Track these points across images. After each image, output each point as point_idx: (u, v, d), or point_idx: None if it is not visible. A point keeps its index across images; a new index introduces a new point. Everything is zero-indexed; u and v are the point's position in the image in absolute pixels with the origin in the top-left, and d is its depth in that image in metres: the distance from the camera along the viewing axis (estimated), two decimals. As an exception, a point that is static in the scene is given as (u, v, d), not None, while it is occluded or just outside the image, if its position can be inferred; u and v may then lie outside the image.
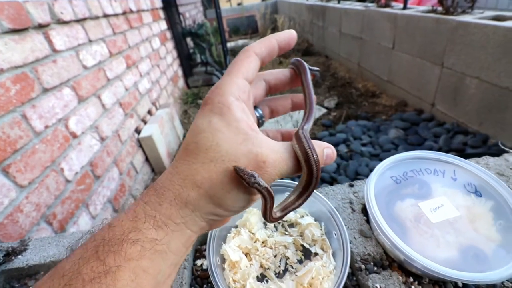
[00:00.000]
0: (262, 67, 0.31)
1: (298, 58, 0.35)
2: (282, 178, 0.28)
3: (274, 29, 5.46)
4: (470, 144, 1.93)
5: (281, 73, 0.34)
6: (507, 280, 0.45)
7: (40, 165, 1.09)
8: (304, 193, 0.29)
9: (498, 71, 1.77)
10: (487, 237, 0.47)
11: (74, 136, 1.33)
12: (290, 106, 0.37)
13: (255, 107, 0.34)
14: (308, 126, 0.30)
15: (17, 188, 0.98)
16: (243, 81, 0.28)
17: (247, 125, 0.26)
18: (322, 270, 0.44)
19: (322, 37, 4.66)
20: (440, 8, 2.26)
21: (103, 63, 1.69)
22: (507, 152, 0.67)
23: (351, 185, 0.62)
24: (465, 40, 1.95)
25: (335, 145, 2.25)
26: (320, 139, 2.38)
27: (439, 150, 2.00)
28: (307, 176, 0.27)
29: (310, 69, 0.34)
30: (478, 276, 0.41)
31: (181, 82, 3.60)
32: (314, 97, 0.33)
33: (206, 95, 0.27)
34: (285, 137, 0.35)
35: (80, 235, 0.60)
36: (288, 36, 0.30)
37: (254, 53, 0.29)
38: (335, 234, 0.48)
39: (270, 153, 0.26)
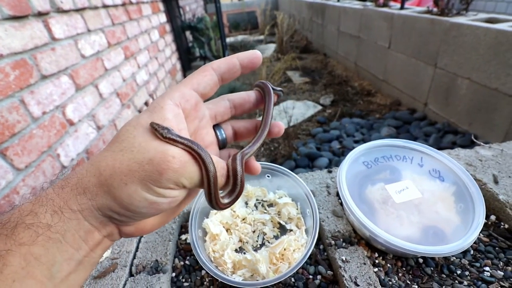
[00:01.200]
0: (225, 84, 0.33)
1: (263, 81, 0.36)
2: (189, 188, 0.27)
3: (274, 26, 5.48)
4: (459, 143, 1.98)
5: (245, 94, 0.35)
6: (504, 279, 0.48)
7: (37, 150, 1.13)
8: (231, 196, 0.30)
9: (488, 72, 1.81)
10: (447, 218, 0.51)
11: (71, 123, 1.36)
12: (255, 130, 0.36)
13: (219, 127, 0.35)
14: (251, 150, 0.32)
15: (14, 171, 1.02)
16: (190, 91, 0.29)
17: (172, 127, 0.26)
18: (294, 243, 0.48)
19: (321, 35, 4.69)
20: (435, 9, 2.30)
21: (101, 53, 1.72)
22: (478, 145, 0.72)
23: (330, 171, 0.66)
24: (457, 41, 2.00)
25: (329, 141, 2.30)
26: (314, 135, 2.42)
27: (429, 148, 2.05)
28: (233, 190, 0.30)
29: (274, 89, 0.35)
30: (433, 249, 0.45)
31: (179, 76, 3.62)
32: (269, 122, 0.34)
33: None
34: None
35: None
36: (252, 55, 0.31)
37: (211, 68, 0.30)
38: (308, 212, 0.52)
39: (183, 155, 0.25)
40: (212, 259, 0.49)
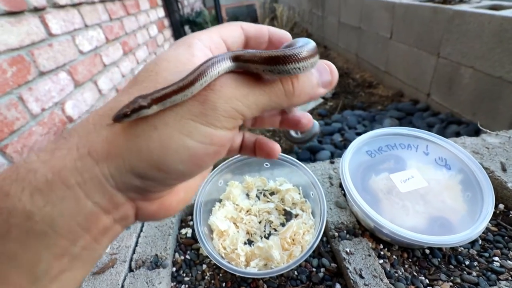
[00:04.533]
0: (249, 47, 0.28)
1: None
2: (250, 117, 0.21)
3: (274, 19, 5.42)
4: (463, 133, 1.96)
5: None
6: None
7: (37, 147, 1.12)
8: None
9: (492, 61, 1.78)
10: (454, 208, 0.50)
11: (71, 120, 1.35)
12: (279, 119, 0.30)
13: None
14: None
15: (14, 168, 1.01)
16: (218, 38, 0.25)
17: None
18: (303, 226, 0.48)
19: (321, 27, 4.63)
20: (438, -3, 2.25)
21: (100, 48, 1.70)
22: (485, 132, 0.70)
23: (332, 162, 0.65)
24: (461, 29, 1.95)
25: (330, 134, 2.28)
26: (315, 128, 2.40)
27: (432, 139, 2.03)
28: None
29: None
30: (440, 239, 0.44)
31: (179, 71, 3.60)
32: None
33: None
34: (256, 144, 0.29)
35: None
36: (283, 33, 0.28)
37: (240, 26, 0.27)
38: (312, 194, 0.52)
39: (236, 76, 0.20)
40: (223, 255, 0.48)
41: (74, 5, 1.50)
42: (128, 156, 0.17)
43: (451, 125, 2.08)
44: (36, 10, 1.23)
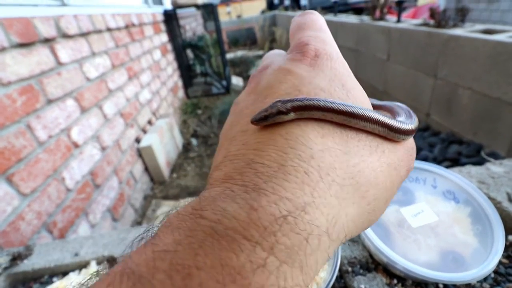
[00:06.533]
0: None
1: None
2: None
3: (273, 41, 5.59)
4: (465, 153, 1.97)
5: None
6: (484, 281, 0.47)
7: (43, 174, 1.13)
8: None
9: (489, 82, 1.82)
10: (466, 241, 0.50)
11: (76, 145, 1.36)
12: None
13: None
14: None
15: (19, 197, 1.01)
16: None
17: None
18: None
19: (319, 49, 4.76)
20: (432, 22, 2.34)
21: (106, 74, 1.75)
22: (489, 161, 0.71)
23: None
24: (456, 52, 2.02)
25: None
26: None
27: (434, 159, 2.04)
28: None
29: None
30: (455, 276, 0.44)
31: (181, 93, 3.66)
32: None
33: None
34: None
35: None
36: None
37: None
38: None
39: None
40: None
41: (82, 35, 1.56)
42: (358, 217, 0.17)
43: (452, 145, 2.10)
44: (47, 40, 1.28)
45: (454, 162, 1.96)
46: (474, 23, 2.21)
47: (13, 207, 0.98)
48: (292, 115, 0.18)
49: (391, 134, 0.18)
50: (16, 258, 0.54)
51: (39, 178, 1.11)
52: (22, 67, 1.12)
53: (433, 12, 2.30)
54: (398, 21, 2.75)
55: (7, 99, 1.02)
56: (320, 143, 0.16)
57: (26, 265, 0.54)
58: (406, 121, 0.20)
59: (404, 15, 3.26)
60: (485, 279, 0.52)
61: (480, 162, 1.16)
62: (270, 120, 0.18)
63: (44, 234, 1.09)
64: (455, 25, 2.20)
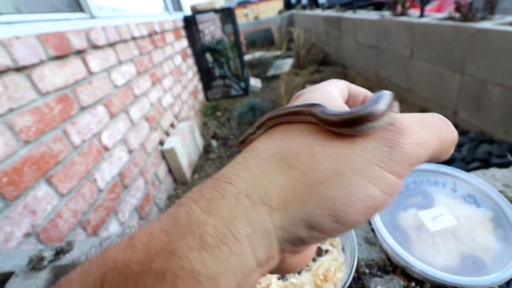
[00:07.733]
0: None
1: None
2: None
3: (290, 41, 5.56)
4: (496, 153, 1.87)
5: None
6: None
7: (77, 176, 1.22)
8: None
9: (521, 78, 1.72)
10: (486, 246, 0.49)
11: (106, 149, 1.45)
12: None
13: None
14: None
15: (58, 196, 1.10)
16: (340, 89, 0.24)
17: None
18: (334, 263, 0.49)
19: (338, 47, 4.69)
20: (458, 15, 2.24)
21: (131, 81, 1.84)
22: (516, 163, 0.68)
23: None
24: (485, 46, 1.92)
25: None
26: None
27: (463, 160, 1.95)
28: None
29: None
30: (475, 280, 0.43)
31: (201, 96, 3.76)
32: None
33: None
34: None
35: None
36: (368, 94, 0.25)
37: (346, 83, 0.25)
38: None
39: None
40: None
41: (110, 45, 1.66)
42: (307, 204, 0.15)
43: (482, 144, 2.00)
44: (79, 52, 1.38)
45: (484, 162, 1.87)
46: (505, 15, 2.09)
47: (52, 206, 1.07)
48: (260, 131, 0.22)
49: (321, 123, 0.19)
50: (59, 253, 0.60)
51: (74, 180, 1.20)
52: (58, 77, 1.21)
53: (458, 5, 2.20)
54: (421, 15, 2.65)
55: (46, 108, 1.12)
56: (263, 141, 0.20)
57: (68, 259, 0.60)
58: (347, 111, 0.18)
59: (428, 8, 3.14)
60: (508, 284, 0.51)
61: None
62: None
63: (79, 231, 1.18)
64: (483, 18, 2.10)
